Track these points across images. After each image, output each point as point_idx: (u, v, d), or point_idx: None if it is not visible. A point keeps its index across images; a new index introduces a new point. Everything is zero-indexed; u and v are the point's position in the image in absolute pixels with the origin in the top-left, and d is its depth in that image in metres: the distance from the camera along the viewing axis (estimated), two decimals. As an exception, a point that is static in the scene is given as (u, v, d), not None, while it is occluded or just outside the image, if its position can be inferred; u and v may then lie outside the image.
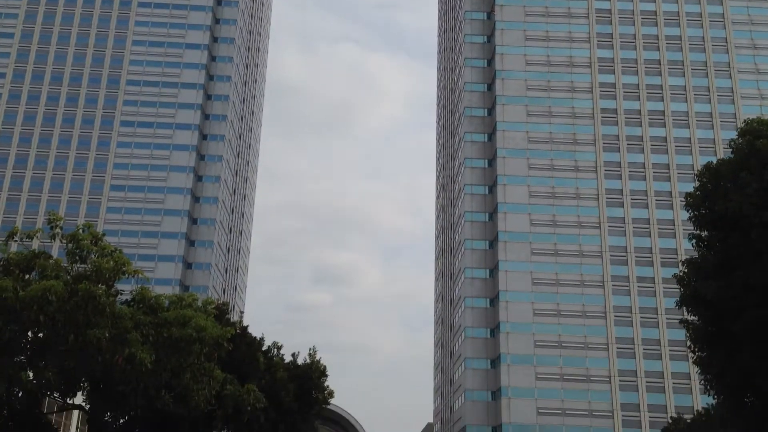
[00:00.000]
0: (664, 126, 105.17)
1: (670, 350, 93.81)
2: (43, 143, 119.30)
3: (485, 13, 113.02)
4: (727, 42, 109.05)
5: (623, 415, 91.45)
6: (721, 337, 26.35)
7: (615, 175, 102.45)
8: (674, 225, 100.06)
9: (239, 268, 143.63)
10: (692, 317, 28.52)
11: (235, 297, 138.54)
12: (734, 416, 28.03)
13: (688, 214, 28.97)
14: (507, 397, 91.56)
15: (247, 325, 43.00)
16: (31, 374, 26.71)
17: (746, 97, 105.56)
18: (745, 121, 27.97)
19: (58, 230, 28.80)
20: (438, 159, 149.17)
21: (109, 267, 27.53)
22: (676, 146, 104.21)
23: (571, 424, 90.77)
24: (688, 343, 28.74)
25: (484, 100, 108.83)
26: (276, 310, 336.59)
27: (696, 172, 29.62)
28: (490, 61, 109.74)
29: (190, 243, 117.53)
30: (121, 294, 29.94)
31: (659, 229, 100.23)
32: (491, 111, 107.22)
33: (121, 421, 31.98)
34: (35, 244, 38.00)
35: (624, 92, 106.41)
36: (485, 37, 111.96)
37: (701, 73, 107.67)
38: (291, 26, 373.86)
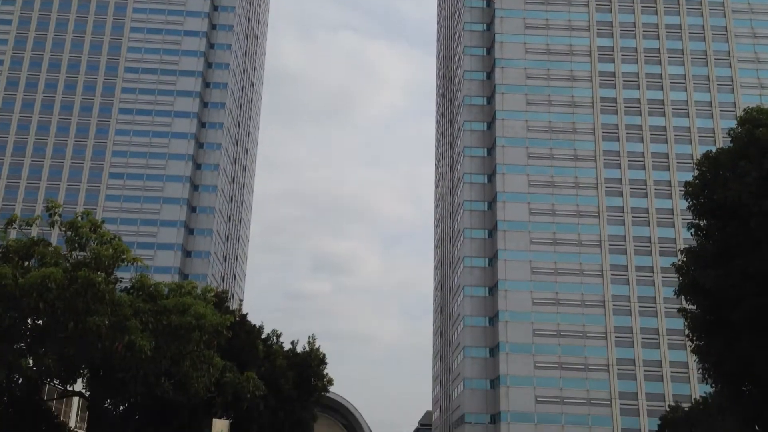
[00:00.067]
0: (664, 115, 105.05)
1: (669, 339, 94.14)
2: (41, 131, 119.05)
3: (485, 1, 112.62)
4: (727, 31, 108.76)
5: (621, 404, 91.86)
6: (719, 325, 26.41)
7: (614, 165, 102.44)
8: (673, 214, 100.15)
9: (238, 257, 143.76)
10: (691, 306, 28.57)
11: (235, 285, 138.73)
12: (732, 404, 28.14)
13: (687, 204, 28.98)
14: (505, 386, 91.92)
15: (247, 313, 43.09)
16: (30, 361, 26.76)
17: (746, 86, 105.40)
18: (744, 110, 27.94)
19: (57, 218, 28.79)
20: (437, 148, 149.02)
21: (108, 254, 27.55)
22: (675, 136, 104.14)
23: (570, 412, 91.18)
24: (687, 332, 28.82)
25: (483, 88, 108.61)
26: (275, 298, 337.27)
27: (695, 161, 29.58)
28: (490, 50, 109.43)
29: (189, 231, 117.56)
30: (121, 281, 29.97)
31: (658, 218, 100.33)
32: (490, 100, 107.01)
33: (121, 408, 32.10)
34: (34, 232, 38.00)
35: (624, 81, 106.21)
36: (485, 25, 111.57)
37: (701, 62, 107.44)
38: (290, 14, 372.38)
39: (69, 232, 28.65)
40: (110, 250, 27.84)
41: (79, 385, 31.23)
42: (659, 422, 60.38)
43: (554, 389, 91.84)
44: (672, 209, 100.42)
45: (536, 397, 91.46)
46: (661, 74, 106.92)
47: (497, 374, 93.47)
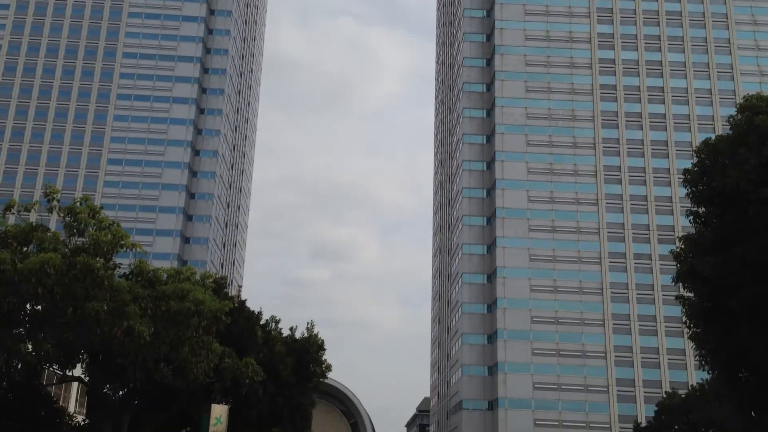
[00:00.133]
0: (663, 102, 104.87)
1: (666, 326, 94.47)
2: (39, 116, 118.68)
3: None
4: (727, 18, 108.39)
5: (618, 391, 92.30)
6: (717, 313, 26.48)
7: (613, 152, 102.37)
8: (672, 202, 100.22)
9: (237, 243, 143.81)
10: (688, 294, 28.63)
11: (233, 272, 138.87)
12: (729, 391, 28.28)
13: (685, 191, 28.98)
14: (503, 372, 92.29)
15: (245, 299, 43.16)
16: (30, 346, 26.82)
17: (746, 73, 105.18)
18: (744, 97, 27.86)
19: (55, 203, 28.75)
20: (436, 135, 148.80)
21: (107, 240, 27.53)
22: (674, 123, 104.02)
23: (567, 399, 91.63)
24: (684, 319, 28.91)
25: (482, 75, 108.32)
26: (274, 285, 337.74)
27: (694, 148, 29.55)
28: (490, 36, 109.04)
29: (188, 218, 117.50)
30: (120, 267, 29.98)
31: (657, 206, 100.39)
32: (490, 87, 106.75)
33: (120, 393, 32.17)
34: (33, 217, 37.99)
35: (623, 68, 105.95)
36: (485, 11, 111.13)
37: (701, 49, 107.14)
38: None
39: (67, 218, 28.62)
40: (109, 235, 27.81)
41: (78, 371, 31.34)
42: (656, 409, 60.64)
43: (552, 376, 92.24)
44: (671, 197, 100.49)
45: (534, 384, 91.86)
46: (661, 61, 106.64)
47: (495, 361, 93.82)
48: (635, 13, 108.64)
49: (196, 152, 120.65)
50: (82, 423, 35.02)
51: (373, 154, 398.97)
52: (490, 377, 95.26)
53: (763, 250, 24.02)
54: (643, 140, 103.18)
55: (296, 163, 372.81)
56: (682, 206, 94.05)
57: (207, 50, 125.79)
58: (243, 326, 37.93)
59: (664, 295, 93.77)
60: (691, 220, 28.10)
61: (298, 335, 44.68)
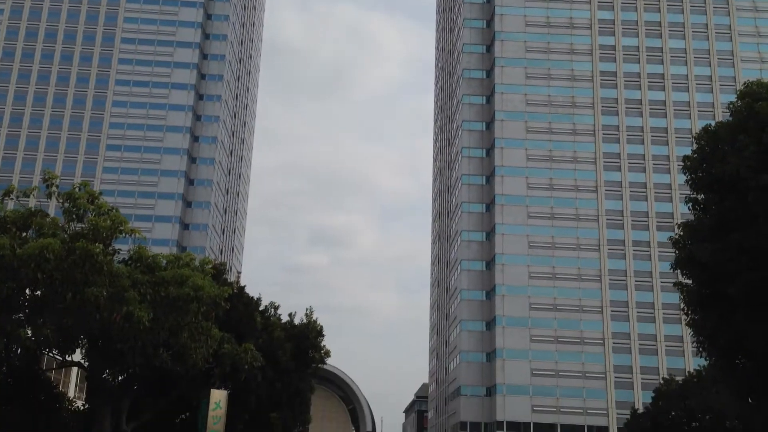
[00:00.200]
0: (664, 89, 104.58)
1: (664, 313, 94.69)
2: (37, 102, 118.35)
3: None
4: (728, 4, 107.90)
5: (616, 377, 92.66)
6: (715, 299, 26.52)
7: (613, 139, 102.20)
8: (671, 189, 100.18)
9: (236, 230, 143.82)
10: (686, 280, 28.65)
11: (232, 258, 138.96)
12: (726, 377, 28.38)
13: (685, 178, 28.95)
14: (501, 359, 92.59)
15: (245, 285, 43.19)
16: (29, 331, 26.86)
17: (746, 60, 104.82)
18: (744, 83, 27.76)
19: (54, 189, 28.72)
20: (436, 121, 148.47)
21: (106, 226, 27.52)
22: (675, 110, 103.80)
23: (565, 385, 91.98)
24: (682, 306, 28.92)
25: (482, 61, 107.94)
26: (273, 271, 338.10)
27: (694, 135, 29.49)
28: (490, 22, 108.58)
29: (187, 204, 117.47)
30: (119, 253, 29.98)
31: (656, 193, 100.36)
32: (490, 73, 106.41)
33: (120, 378, 32.27)
34: (32, 203, 37.98)
35: (624, 55, 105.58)
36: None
37: (702, 36, 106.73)
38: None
39: (66, 204, 28.60)
40: (108, 221, 27.80)
41: (77, 356, 31.41)
42: (653, 395, 60.85)
43: (550, 362, 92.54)
44: (670, 184, 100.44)
45: (532, 370, 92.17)
46: (662, 48, 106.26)
47: (493, 347, 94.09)
48: (635, 0, 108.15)
49: (195, 138, 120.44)
50: (82, 408, 35.16)
51: (373, 140, 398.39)
52: (488, 363, 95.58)
53: (762, 236, 24.02)
54: (643, 127, 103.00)
55: (295, 149, 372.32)
56: (681, 193, 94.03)
57: (206, 35, 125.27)
58: (242, 312, 37.98)
59: (662, 282, 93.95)
60: (690, 207, 28.08)
61: (297, 321, 44.74)
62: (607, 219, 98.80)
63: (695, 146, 28.29)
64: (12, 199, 29.07)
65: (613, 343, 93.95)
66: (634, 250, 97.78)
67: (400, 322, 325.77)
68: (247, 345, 33.73)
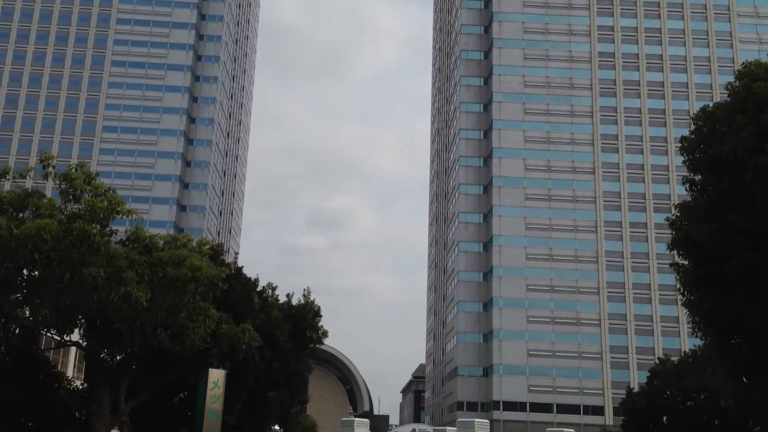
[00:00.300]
0: (662, 70, 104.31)
1: (660, 294, 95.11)
2: (33, 83, 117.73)
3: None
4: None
5: (612, 357, 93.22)
6: (711, 280, 26.57)
7: (611, 120, 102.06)
8: (668, 171, 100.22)
9: (233, 211, 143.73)
10: (683, 261, 28.70)
11: (230, 240, 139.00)
12: (721, 357, 28.50)
13: (682, 159, 28.92)
14: (498, 339, 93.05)
15: (242, 266, 43.18)
16: (27, 312, 26.88)
17: (745, 41, 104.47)
18: (743, 63, 27.64)
19: (50, 169, 28.62)
20: (433, 103, 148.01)
21: (103, 206, 27.47)
22: (672, 91, 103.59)
23: (561, 365, 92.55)
24: (678, 286, 28.96)
25: (480, 43, 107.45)
26: (270, 253, 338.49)
27: (692, 116, 29.43)
28: (488, 3, 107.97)
29: (184, 186, 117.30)
30: (116, 234, 29.93)
31: (653, 174, 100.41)
32: (487, 54, 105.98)
33: (118, 358, 32.35)
34: (28, 184, 37.91)
35: (622, 36, 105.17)
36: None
37: (700, 17, 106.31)
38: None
39: (63, 184, 28.51)
40: (105, 202, 27.74)
41: (75, 336, 31.46)
42: (648, 375, 61.18)
43: (546, 343, 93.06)
44: (667, 165, 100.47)
45: (528, 351, 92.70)
46: (660, 29, 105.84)
47: (490, 328, 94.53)
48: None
49: (191, 120, 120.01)
50: (81, 387, 35.28)
51: (370, 122, 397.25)
52: (485, 344, 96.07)
53: (759, 217, 24.05)
54: (640, 108, 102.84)
55: (293, 131, 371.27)
56: (678, 175, 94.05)
57: (202, 16, 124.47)
58: (240, 293, 37.98)
59: (658, 264, 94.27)
60: (687, 188, 28.06)
61: (294, 302, 44.78)
62: (605, 200, 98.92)
63: (693, 127, 28.22)
64: (8, 179, 28.98)
65: (610, 323, 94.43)
66: (631, 232, 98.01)
67: (397, 303, 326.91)
68: (245, 325, 33.78)
